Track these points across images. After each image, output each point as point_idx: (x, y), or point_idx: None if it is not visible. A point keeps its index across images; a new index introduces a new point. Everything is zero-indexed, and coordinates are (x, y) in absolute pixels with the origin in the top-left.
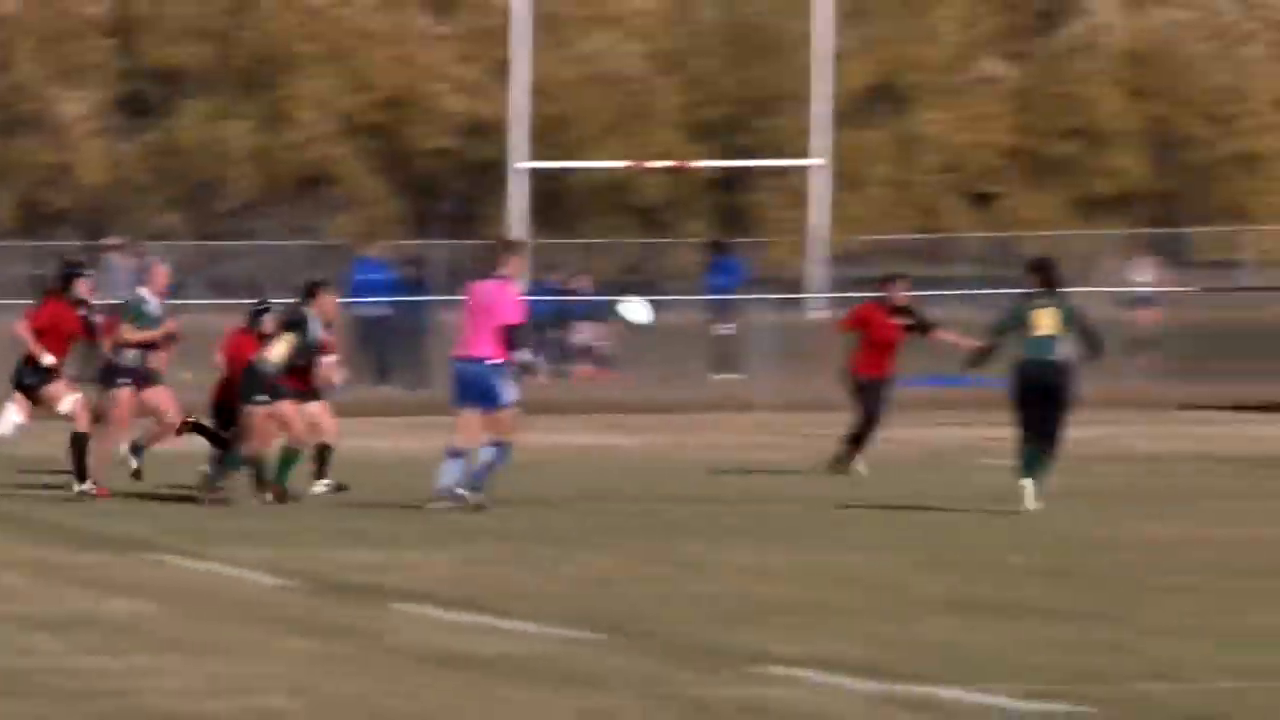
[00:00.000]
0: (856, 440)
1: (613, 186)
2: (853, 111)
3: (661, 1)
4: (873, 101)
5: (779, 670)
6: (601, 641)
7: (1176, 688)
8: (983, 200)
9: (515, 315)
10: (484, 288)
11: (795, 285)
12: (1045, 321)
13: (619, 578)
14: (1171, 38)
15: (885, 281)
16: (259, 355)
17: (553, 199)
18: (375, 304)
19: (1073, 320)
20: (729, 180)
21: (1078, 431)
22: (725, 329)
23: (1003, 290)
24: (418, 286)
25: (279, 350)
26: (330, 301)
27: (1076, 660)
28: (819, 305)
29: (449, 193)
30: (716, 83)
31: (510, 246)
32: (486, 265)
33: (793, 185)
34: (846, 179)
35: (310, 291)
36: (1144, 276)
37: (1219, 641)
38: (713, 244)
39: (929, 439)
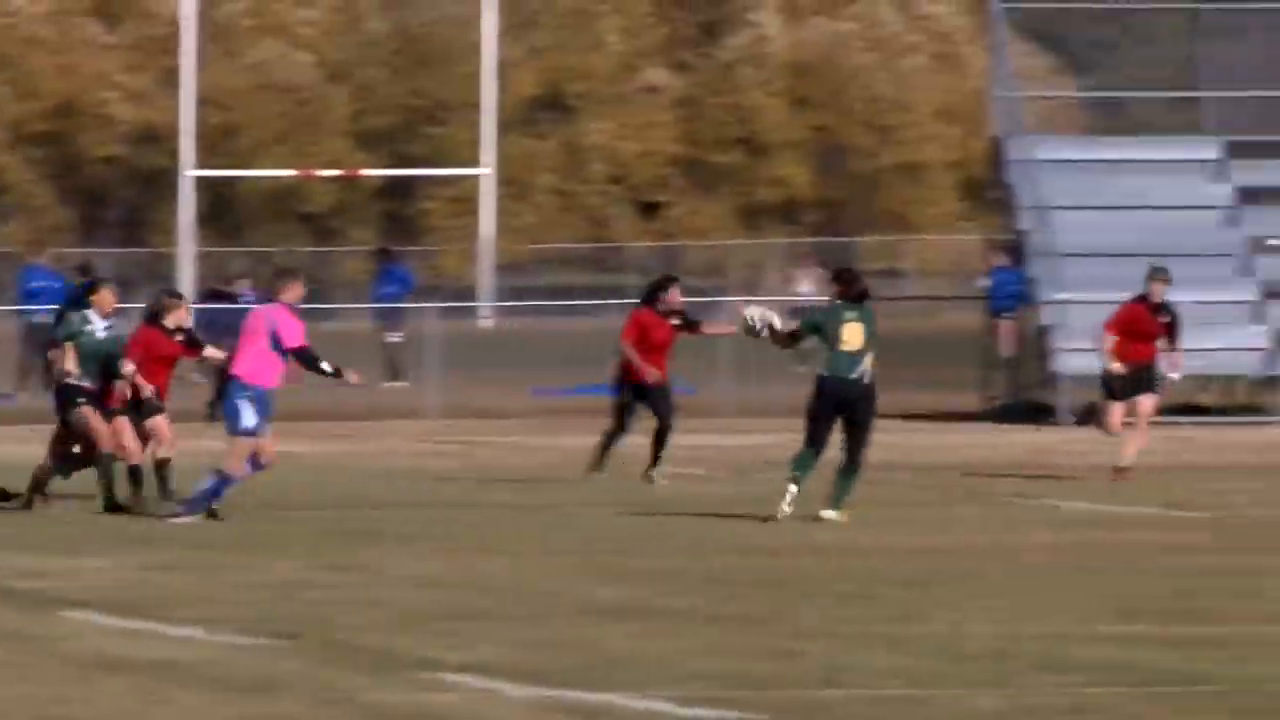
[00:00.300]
0: (658, 444)
1: (282, 194)
2: (520, 121)
3: (329, 11)
4: (539, 111)
5: (447, 676)
6: (273, 647)
7: (847, 694)
8: (649, 209)
9: (297, 339)
10: (260, 311)
11: (464, 294)
12: (851, 336)
13: (292, 584)
14: (834, 48)
15: (658, 286)
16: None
17: (222, 207)
18: (44, 312)
19: (874, 330)
20: (397, 188)
21: (740, 439)
22: (394, 337)
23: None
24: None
25: (66, 358)
26: (108, 297)
27: (745, 667)
28: (487, 314)
29: (118, 200)
30: (384, 92)
31: (289, 273)
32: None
33: (461, 194)
34: (514, 188)
35: (90, 290)
36: (808, 286)
37: (889, 648)
38: (381, 252)
39: (587, 446)
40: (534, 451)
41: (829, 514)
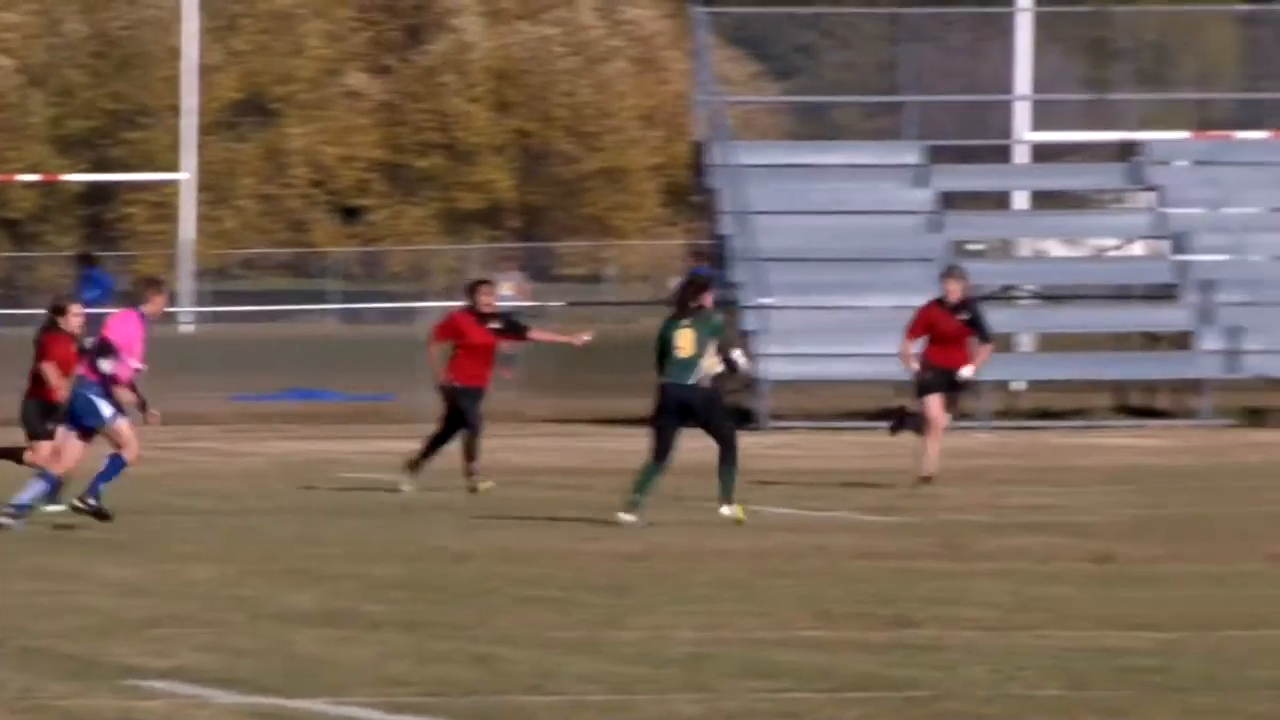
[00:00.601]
0: (432, 448)
1: None
2: (221, 125)
3: (29, 15)
4: (241, 115)
5: (152, 683)
6: None
7: (547, 700)
8: (351, 214)
9: (109, 332)
10: (117, 314)
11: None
12: (684, 343)
13: None
14: (537, 53)
15: (472, 289)
16: None
17: None
18: None
19: (715, 337)
20: (98, 193)
21: (449, 444)
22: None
23: (371, 304)
24: None
25: None
26: None
27: (444, 672)
28: (188, 319)
29: None
30: (85, 96)
31: (154, 285)
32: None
33: (162, 199)
34: (215, 193)
35: None
36: (508, 290)
37: (590, 653)
38: (82, 257)
39: (286, 451)
40: (234, 458)
41: (726, 511)
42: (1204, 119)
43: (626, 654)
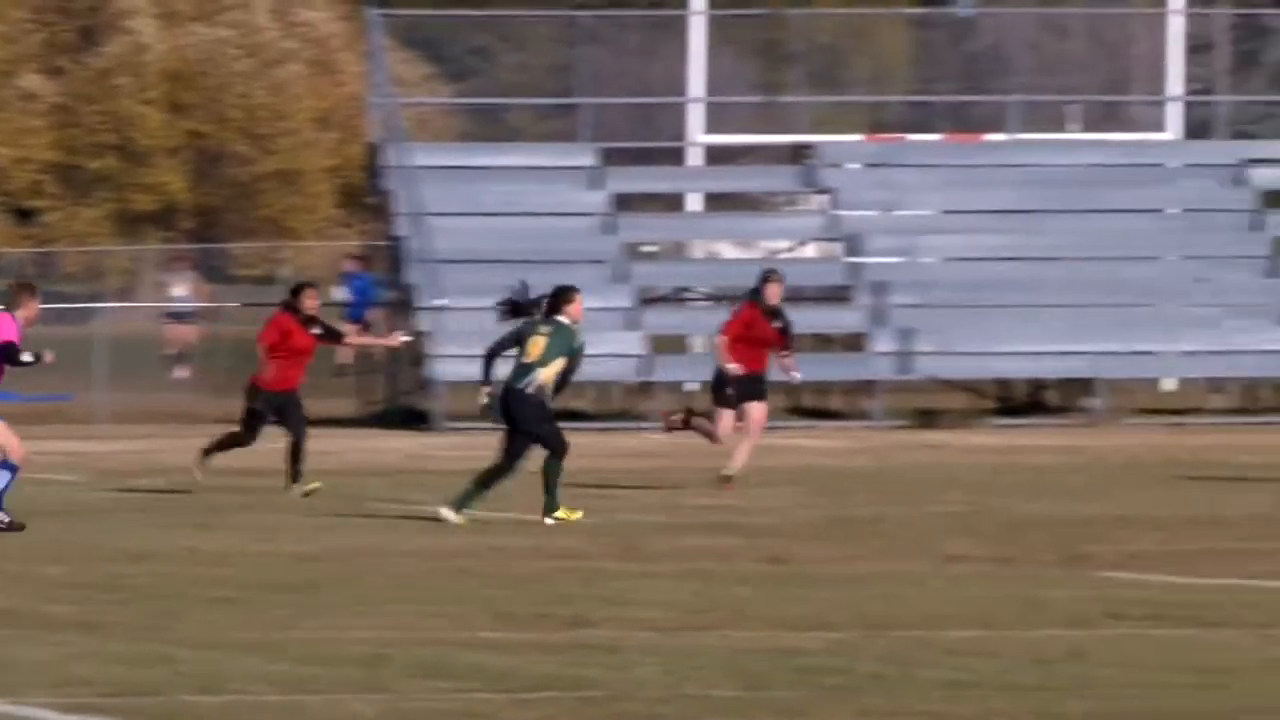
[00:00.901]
0: (294, 453)
1: None
2: None
3: None
4: None
5: None
6: None
7: (221, 700)
8: (25, 215)
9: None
10: None
11: None
12: (533, 349)
13: None
14: (212, 55)
15: (296, 292)
16: None
17: None
18: None
19: (567, 355)
20: None
21: (115, 445)
22: None
23: (46, 305)
24: None
25: None
26: None
27: (121, 673)
28: None
29: None
30: None
31: (28, 289)
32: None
33: None
34: None
35: None
36: (183, 291)
37: (266, 654)
38: None
39: None
40: None
41: (449, 515)
42: (876, 122)
43: (303, 654)
